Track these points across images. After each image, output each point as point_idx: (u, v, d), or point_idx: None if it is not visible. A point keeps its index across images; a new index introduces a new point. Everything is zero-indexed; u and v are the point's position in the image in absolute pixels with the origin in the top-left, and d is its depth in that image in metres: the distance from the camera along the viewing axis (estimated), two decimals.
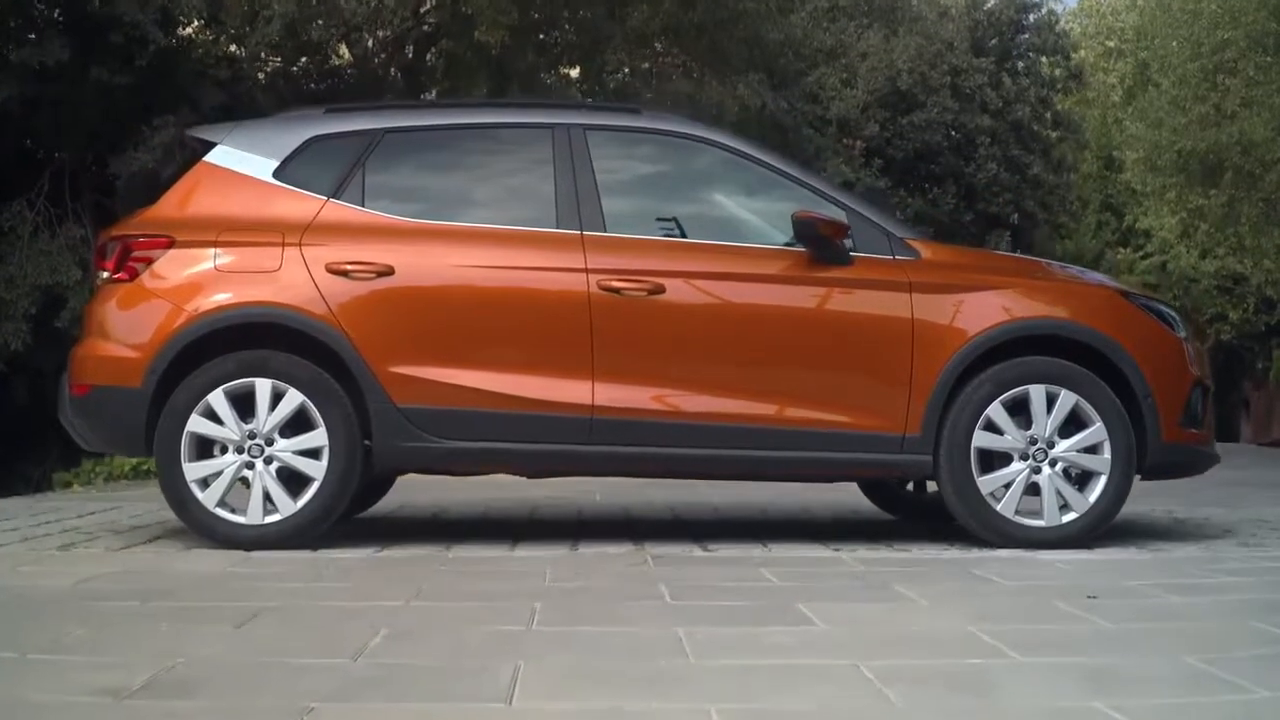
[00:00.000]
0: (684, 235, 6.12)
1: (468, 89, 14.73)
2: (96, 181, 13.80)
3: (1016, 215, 17.54)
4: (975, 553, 5.74)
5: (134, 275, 5.84)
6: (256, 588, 4.57)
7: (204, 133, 6.32)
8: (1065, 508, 5.89)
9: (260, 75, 15.08)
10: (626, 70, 17.06)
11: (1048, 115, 18.17)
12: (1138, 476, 6.06)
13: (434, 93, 16.11)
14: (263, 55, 14.30)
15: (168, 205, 6.05)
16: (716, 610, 4.14)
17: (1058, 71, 18.89)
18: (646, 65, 15.93)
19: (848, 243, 5.94)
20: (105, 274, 5.93)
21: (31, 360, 13.20)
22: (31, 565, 5.17)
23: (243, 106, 13.98)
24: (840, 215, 5.98)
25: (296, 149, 6.07)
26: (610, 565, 5.24)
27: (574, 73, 17.27)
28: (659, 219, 6.21)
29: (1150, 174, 20.21)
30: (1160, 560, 5.43)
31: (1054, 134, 18.23)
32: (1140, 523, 6.91)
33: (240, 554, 5.48)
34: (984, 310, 5.92)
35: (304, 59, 15.37)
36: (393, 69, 16.25)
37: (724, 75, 15.25)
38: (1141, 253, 26.20)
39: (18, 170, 13.25)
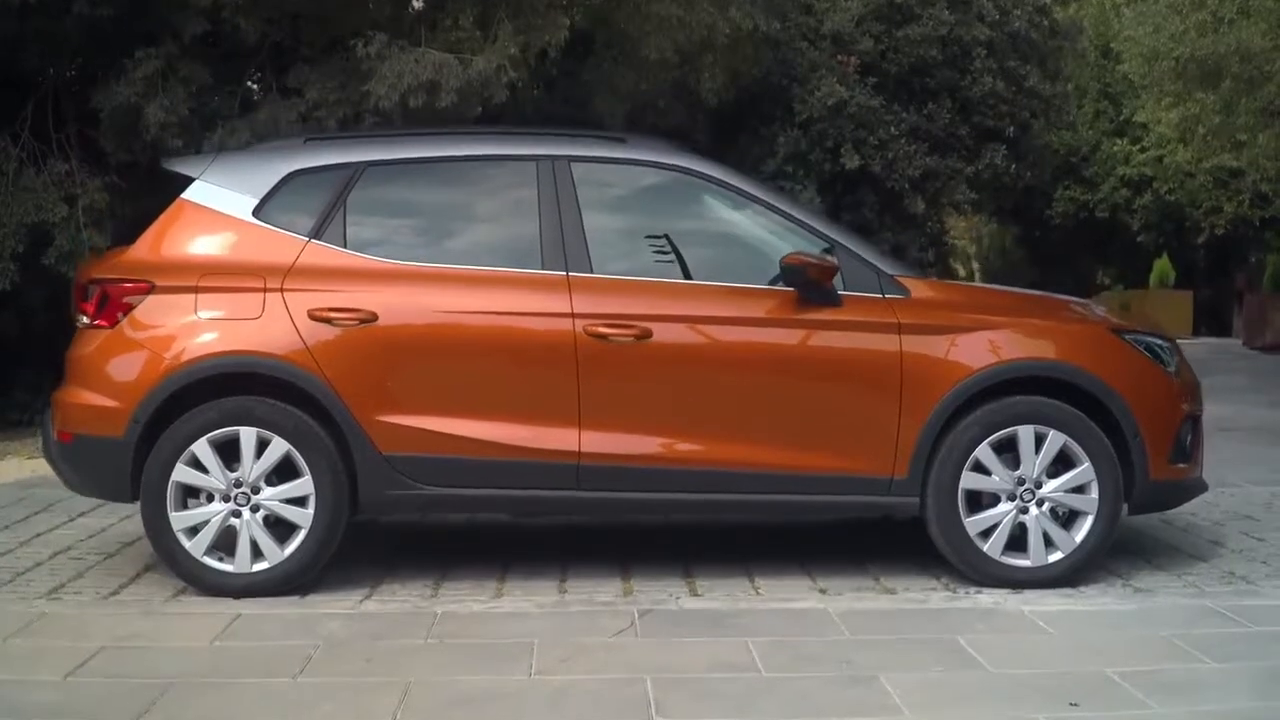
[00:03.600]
0: (671, 270, 6.05)
1: (453, 12, 14.34)
2: (80, 112, 13.55)
3: (1013, 128, 17.30)
4: (961, 599, 5.79)
5: (114, 322, 5.78)
6: (240, 692, 4.57)
7: (182, 166, 6.19)
8: (1051, 546, 5.93)
9: None
10: None
11: (1045, 24, 17.84)
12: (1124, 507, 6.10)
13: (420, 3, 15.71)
14: None
15: (147, 246, 5.96)
16: None
17: None
18: None
19: (837, 281, 5.88)
20: (85, 318, 5.86)
21: (21, 297, 13.10)
22: (20, 636, 5.17)
23: (225, 36, 13.70)
24: (830, 252, 5.91)
25: (276, 185, 5.97)
26: (597, 629, 5.25)
27: None
28: (645, 254, 6.12)
29: (1148, 68, 19.95)
30: (1144, 619, 5.42)
31: (1051, 43, 17.91)
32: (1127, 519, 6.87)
33: (229, 611, 5.49)
34: (973, 351, 5.89)
35: None
36: None
37: None
38: (1139, 145, 25.93)
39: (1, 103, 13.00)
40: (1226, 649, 5.00)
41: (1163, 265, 26.28)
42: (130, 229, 12.42)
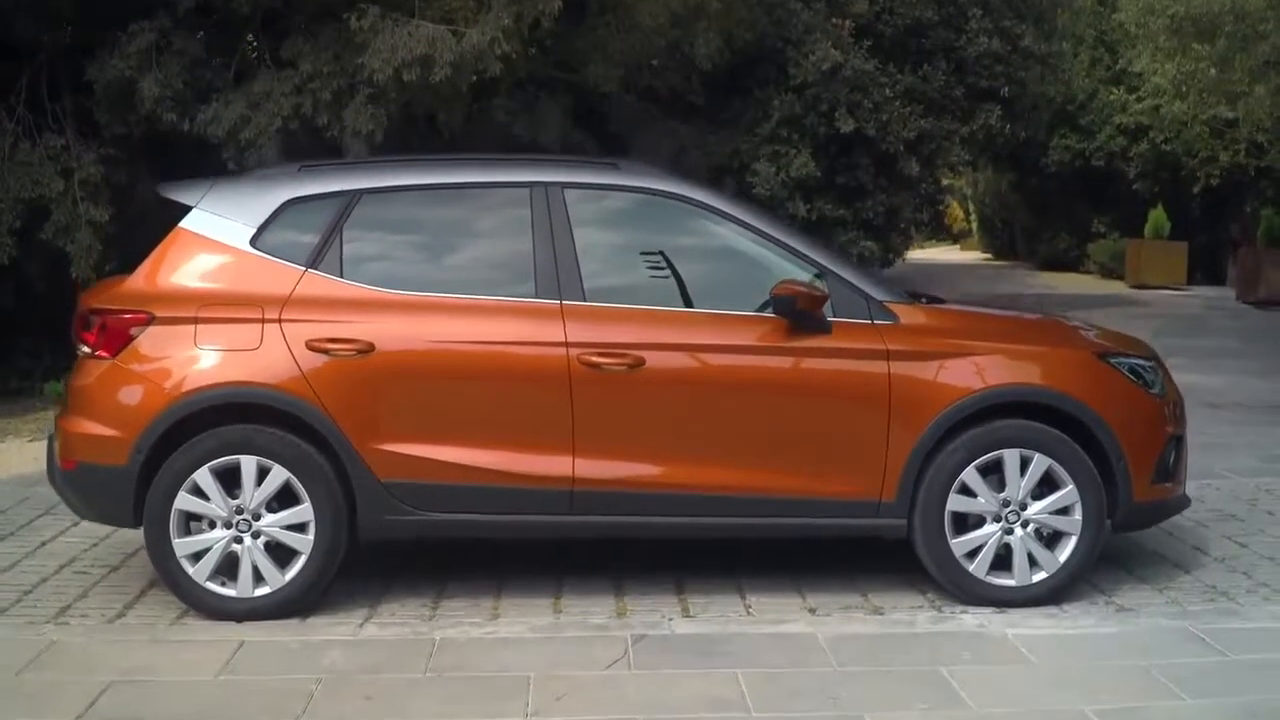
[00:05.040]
0: (663, 297, 6.13)
1: None
2: (75, 84, 13.53)
3: (1007, 88, 17.31)
4: (947, 619, 5.94)
5: (115, 352, 5.87)
6: None
7: (178, 194, 6.23)
8: (1036, 566, 6.06)
9: None
10: None
11: None
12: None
13: None
14: None
15: (146, 275, 6.03)
16: None
17: None
18: None
19: (827, 308, 5.97)
20: (86, 348, 5.95)
21: (19, 270, 13.16)
22: (31, 669, 5.28)
23: (217, 6, 13.65)
24: (820, 278, 6.01)
25: (272, 214, 6.04)
26: (591, 660, 5.38)
27: None
28: (638, 281, 6.19)
29: (1144, 19, 19.89)
30: (1124, 646, 5.55)
31: (1047, 0, 17.91)
32: None
33: (233, 638, 5.62)
34: (960, 377, 6.00)
35: None
36: None
37: None
38: (1135, 95, 25.86)
39: None
40: (1203, 683, 5.13)
41: (1158, 216, 26.27)
42: (125, 200, 12.47)
